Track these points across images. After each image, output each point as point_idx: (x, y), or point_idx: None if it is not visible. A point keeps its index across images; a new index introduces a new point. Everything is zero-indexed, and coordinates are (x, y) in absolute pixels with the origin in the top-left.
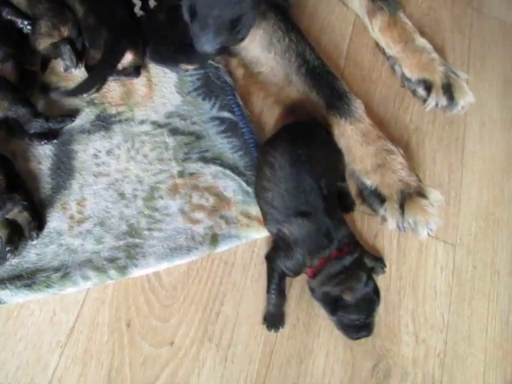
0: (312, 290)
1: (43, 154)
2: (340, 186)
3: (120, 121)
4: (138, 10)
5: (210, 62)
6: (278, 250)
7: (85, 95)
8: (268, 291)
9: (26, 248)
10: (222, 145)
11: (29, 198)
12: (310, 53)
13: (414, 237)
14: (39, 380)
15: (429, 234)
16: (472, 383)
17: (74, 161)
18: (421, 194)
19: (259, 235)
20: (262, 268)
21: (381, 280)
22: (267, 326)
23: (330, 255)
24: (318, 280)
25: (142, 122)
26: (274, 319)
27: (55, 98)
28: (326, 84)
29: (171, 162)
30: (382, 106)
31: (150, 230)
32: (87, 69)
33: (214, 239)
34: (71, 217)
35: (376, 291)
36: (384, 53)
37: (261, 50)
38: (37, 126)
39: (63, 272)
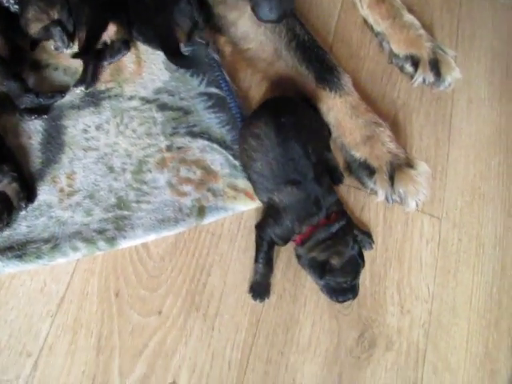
0: (299, 257)
1: (34, 129)
2: (327, 157)
3: (109, 97)
4: None
5: (199, 40)
6: (267, 217)
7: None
8: (256, 260)
9: (17, 220)
10: (210, 119)
11: (18, 170)
12: (299, 27)
13: (400, 210)
14: (31, 347)
15: (417, 205)
16: (455, 352)
17: (63, 136)
18: (409, 165)
19: (246, 207)
20: (249, 239)
21: (367, 252)
22: (253, 296)
23: (318, 222)
24: (305, 247)
25: (131, 98)
26: (260, 289)
27: (46, 75)
28: (316, 58)
29: (159, 137)
30: (370, 83)
31: (138, 202)
32: (76, 55)
33: (201, 211)
34: (61, 190)
35: (360, 254)
36: (372, 29)
37: (251, 24)
38: (27, 101)
39: (53, 243)
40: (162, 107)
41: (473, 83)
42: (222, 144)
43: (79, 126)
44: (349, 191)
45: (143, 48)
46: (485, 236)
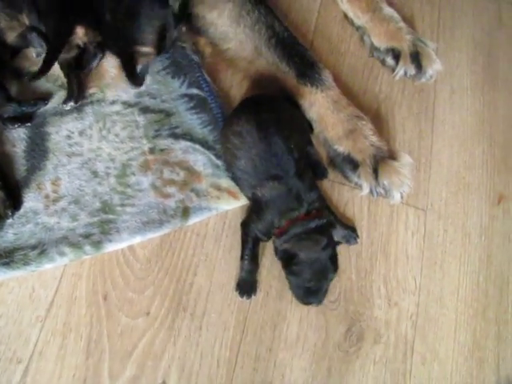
0: (275, 250)
1: (17, 137)
2: (310, 152)
3: (91, 102)
4: None
5: (178, 43)
6: (251, 213)
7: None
8: (242, 257)
9: (3, 228)
10: (192, 121)
11: (3, 178)
12: (278, 25)
13: (384, 204)
14: (21, 353)
15: (402, 197)
16: (443, 342)
17: (47, 142)
18: (392, 157)
19: (229, 206)
20: (234, 239)
21: (352, 246)
22: (240, 293)
23: (297, 217)
24: (281, 239)
25: (113, 103)
26: (246, 286)
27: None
28: (296, 54)
29: (142, 140)
30: (351, 77)
31: (122, 205)
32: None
33: (186, 212)
34: (46, 196)
35: (333, 261)
36: (353, 24)
37: (230, 23)
38: (10, 110)
39: (40, 249)
40: (144, 110)
41: (455, 73)
42: (205, 144)
43: (62, 132)
44: (332, 186)
45: None
46: (470, 226)
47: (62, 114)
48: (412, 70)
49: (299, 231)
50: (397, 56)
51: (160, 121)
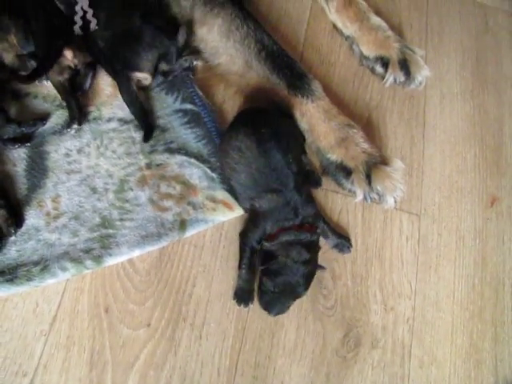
0: (260, 252)
1: (18, 157)
2: (304, 162)
3: (88, 120)
4: (77, 30)
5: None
6: (248, 223)
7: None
8: (239, 266)
9: (6, 246)
10: (186, 135)
11: (5, 197)
12: (267, 38)
13: (378, 210)
14: (26, 367)
15: (395, 201)
16: (441, 345)
17: (46, 161)
18: (384, 163)
19: (225, 217)
20: (231, 249)
21: (346, 254)
22: (237, 302)
23: (290, 226)
24: (270, 242)
25: (110, 120)
26: (244, 295)
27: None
28: (286, 66)
29: (139, 155)
30: (342, 87)
31: (121, 220)
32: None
33: (183, 225)
34: (47, 213)
35: (307, 280)
36: (342, 34)
37: (220, 38)
38: (10, 131)
39: (42, 265)
40: (140, 126)
41: (445, 78)
42: (199, 158)
43: (61, 150)
44: (326, 195)
45: None
46: (464, 229)
47: (60, 132)
48: (401, 77)
49: (288, 239)
50: (386, 64)
51: (155, 136)
